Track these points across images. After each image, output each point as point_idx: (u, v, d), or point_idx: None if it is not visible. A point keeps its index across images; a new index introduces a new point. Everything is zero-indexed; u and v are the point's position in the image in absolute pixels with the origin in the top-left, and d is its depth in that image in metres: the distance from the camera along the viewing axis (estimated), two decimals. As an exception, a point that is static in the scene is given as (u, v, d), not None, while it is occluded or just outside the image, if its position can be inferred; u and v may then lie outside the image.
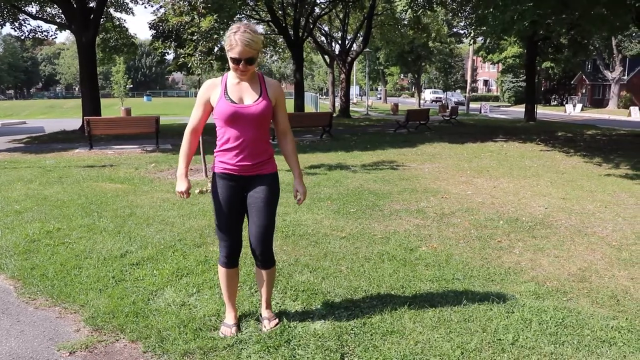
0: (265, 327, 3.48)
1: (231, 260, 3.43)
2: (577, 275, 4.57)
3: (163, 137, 16.03)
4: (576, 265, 4.83)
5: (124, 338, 3.42)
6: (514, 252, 5.21)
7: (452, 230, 5.99)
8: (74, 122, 25.59)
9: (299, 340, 3.33)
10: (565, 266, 4.81)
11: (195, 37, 8.96)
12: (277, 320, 3.54)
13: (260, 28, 33.44)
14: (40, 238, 5.59)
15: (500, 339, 3.35)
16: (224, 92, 3.20)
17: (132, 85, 44.62)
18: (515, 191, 8.37)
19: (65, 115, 35.91)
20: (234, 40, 3.05)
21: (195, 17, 8.99)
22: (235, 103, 3.18)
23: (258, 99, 3.20)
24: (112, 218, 6.47)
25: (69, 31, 22.67)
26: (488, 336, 3.39)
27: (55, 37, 69.47)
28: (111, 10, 23.51)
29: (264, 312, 3.57)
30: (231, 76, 3.25)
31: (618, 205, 7.39)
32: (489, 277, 4.48)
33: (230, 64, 3.14)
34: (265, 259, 3.40)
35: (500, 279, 4.46)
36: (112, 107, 37.40)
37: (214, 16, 8.78)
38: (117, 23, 24.17)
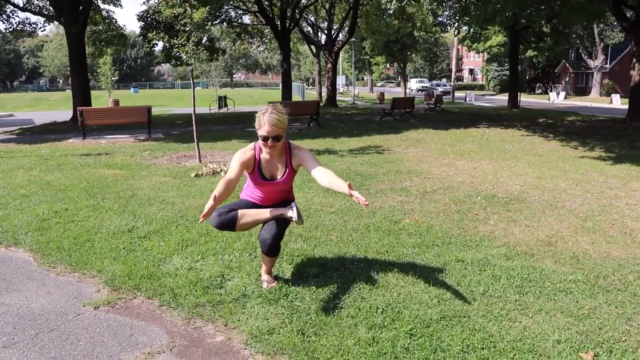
0: (264, 286, 3.93)
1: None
2: (544, 241, 5.07)
3: (154, 126, 16.36)
4: (544, 233, 5.33)
5: (140, 295, 3.86)
6: (489, 223, 5.70)
7: (433, 206, 6.47)
8: (62, 114, 25.80)
9: (296, 295, 3.79)
10: (534, 234, 5.31)
11: (188, 28, 9.33)
12: (275, 282, 3.99)
13: (247, 19, 33.71)
14: (50, 217, 5.99)
15: (472, 291, 3.84)
16: (258, 167, 3.68)
17: (117, 78, 44.48)
18: (494, 172, 8.88)
19: (53, 108, 35.99)
20: (262, 120, 3.50)
21: (188, 8, 9.36)
22: (267, 179, 3.70)
23: (284, 172, 3.72)
24: (115, 199, 6.88)
25: (57, 23, 22.83)
26: (462, 289, 3.87)
27: (44, 30, 68.63)
28: (99, 1, 23.68)
29: (264, 276, 4.02)
30: (264, 150, 3.66)
31: (588, 183, 7.92)
32: (465, 243, 4.97)
33: (260, 142, 3.59)
34: (271, 250, 3.78)
35: (475, 244, 4.95)
36: (99, 99, 37.38)
37: (207, 8, 9.15)
38: (106, 15, 24.34)
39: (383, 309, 3.51)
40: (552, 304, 3.63)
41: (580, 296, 3.75)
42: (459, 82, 56.91)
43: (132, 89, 67.44)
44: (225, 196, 3.38)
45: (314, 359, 2.95)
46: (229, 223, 3.70)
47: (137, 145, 13.18)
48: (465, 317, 3.42)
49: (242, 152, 3.65)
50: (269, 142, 3.53)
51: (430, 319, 3.36)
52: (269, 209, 3.78)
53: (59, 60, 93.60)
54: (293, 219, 3.73)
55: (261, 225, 3.82)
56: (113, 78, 40.41)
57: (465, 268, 4.28)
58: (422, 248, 4.82)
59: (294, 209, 3.76)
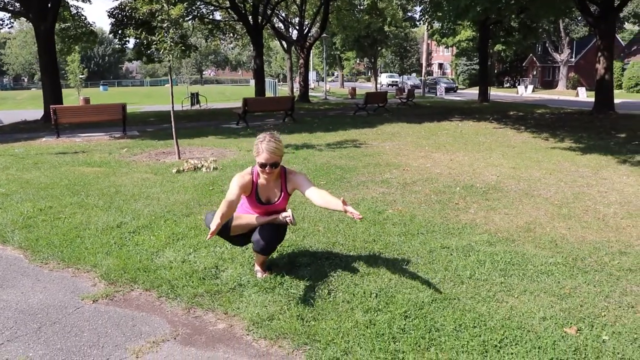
0: (259, 276, 4.04)
1: None
2: (523, 227, 5.29)
3: (128, 124, 16.21)
4: (523, 220, 5.55)
5: (138, 288, 3.94)
6: (469, 212, 5.90)
7: (414, 196, 6.65)
8: (31, 113, 25.33)
9: (291, 283, 3.91)
10: (513, 221, 5.53)
11: (165, 25, 9.34)
12: (268, 273, 4.10)
13: (218, 15, 33.54)
14: (35, 215, 5.98)
15: (459, 275, 4.01)
16: (255, 192, 3.83)
17: (86, 75, 43.65)
18: (470, 163, 9.12)
19: (20, 107, 35.24)
20: (260, 148, 3.65)
21: (165, 5, 9.35)
22: (263, 203, 3.85)
23: (279, 196, 3.87)
24: (99, 196, 6.89)
25: (24, 19, 22.36)
26: (449, 273, 4.05)
27: (11, 26, 66.86)
28: (68, -2, 23.30)
29: (258, 267, 4.13)
30: (262, 176, 3.81)
31: (561, 172, 8.21)
32: (449, 231, 5.16)
33: (258, 167, 3.74)
34: (264, 250, 3.89)
35: (458, 232, 5.14)
36: (69, 97, 36.59)
37: (184, 4, 9.17)
38: (75, 11, 23.97)
39: (377, 294, 3.66)
40: (536, 285, 3.83)
41: (561, 277, 3.96)
42: (429, 77, 57.37)
43: (101, 86, 66.52)
44: (229, 215, 3.54)
45: (315, 342, 3.08)
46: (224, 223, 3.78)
47: (113, 143, 13.10)
48: (455, 299, 3.59)
49: (241, 177, 3.79)
50: (266, 168, 3.70)
51: (423, 302, 3.52)
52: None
53: (24, 57, 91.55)
54: (288, 219, 3.86)
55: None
56: (81, 76, 39.77)
57: (451, 254, 4.46)
58: (407, 236, 4.98)
59: (289, 210, 3.92)
